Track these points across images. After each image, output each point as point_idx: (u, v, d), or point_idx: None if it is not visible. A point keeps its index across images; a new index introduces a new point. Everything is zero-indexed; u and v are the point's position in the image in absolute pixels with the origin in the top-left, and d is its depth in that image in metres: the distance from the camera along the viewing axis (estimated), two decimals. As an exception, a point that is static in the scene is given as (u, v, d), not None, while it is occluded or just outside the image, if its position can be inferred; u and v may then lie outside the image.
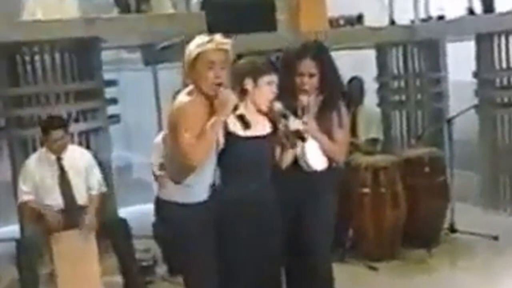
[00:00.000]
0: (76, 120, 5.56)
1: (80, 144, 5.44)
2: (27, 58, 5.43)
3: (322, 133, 3.60)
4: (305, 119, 3.54)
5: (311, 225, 3.64)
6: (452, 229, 5.63)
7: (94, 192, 4.97)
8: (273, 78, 3.35)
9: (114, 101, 6.04)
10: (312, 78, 3.60)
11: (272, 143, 3.43)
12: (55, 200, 4.86)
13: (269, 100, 3.35)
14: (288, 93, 3.56)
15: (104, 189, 5.06)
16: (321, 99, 3.67)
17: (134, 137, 7.77)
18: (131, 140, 7.97)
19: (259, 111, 3.39)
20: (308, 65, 3.59)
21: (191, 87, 3.19)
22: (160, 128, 6.82)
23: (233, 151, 3.28)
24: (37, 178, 4.84)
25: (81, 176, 4.95)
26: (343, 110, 3.71)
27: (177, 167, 3.16)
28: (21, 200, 4.89)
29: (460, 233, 5.61)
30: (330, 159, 3.65)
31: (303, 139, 3.39)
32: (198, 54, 3.12)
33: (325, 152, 3.61)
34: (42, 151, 4.97)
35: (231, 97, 3.12)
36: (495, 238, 5.51)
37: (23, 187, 4.87)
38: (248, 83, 3.33)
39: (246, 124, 3.22)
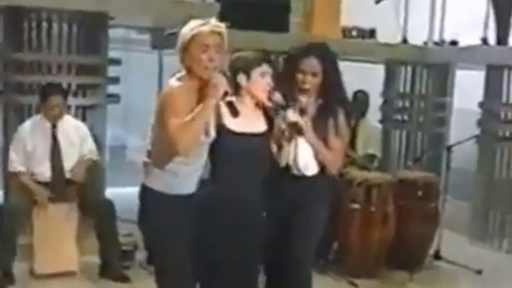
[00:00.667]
0: (75, 94, 5.50)
1: (76, 119, 5.36)
2: (34, 25, 5.35)
3: (317, 138, 3.52)
4: (302, 121, 3.46)
5: (297, 235, 3.56)
6: (437, 256, 5.59)
7: (86, 157, 4.93)
8: (266, 69, 3.30)
9: (116, 80, 5.95)
10: (315, 78, 3.53)
11: (268, 140, 3.38)
12: (44, 171, 4.83)
13: (266, 90, 3.29)
14: (287, 90, 3.49)
15: (96, 157, 5.02)
16: (320, 103, 3.60)
17: (132, 119, 7.70)
18: (128, 121, 7.90)
19: (257, 105, 3.33)
20: (312, 64, 3.53)
21: (183, 72, 3.11)
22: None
23: (224, 146, 3.22)
24: (29, 147, 4.81)
25: (74, 147, 4.95)
26: (342, 118, 3.61)
27: (161, 152, 3.09)
28: (12, 169, 4.84)
29: (445, 261, 5.57)
30: (322, 166, 3.58)
31: (300, 132, 3.34)
32: (193, 37, 3.04)
33: (319, 159, 3.54)
34: (37, 118, 4.97)
35: (223, 81, 3.06)
36: (479, 272, 5.45)
37: (14, 155, 4.82)
38: (242, 78, 3.29)
39: (234, 111, 3.18)
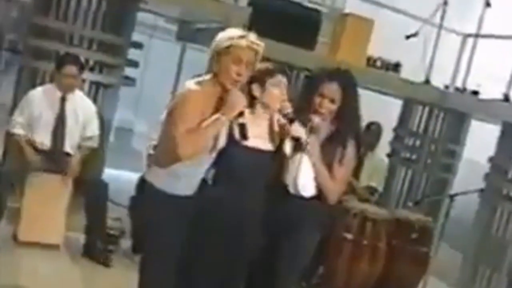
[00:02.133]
0: (92, 70, 5.46)
1: (88, 94, 5.33)
2: (65, -8, 5.34)
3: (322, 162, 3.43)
4: (309, 140, 3.38)
5: (283, 262, 3.44)
6: (419, 302, 5.51)
7: (85, 144, 4.88)
8: (280, 78, 3.29)
9: (135, 63, 5.93)
10: (332, 104, 3.44)
11: (273, 158, 3.33)
12: (44, 140, 4.78)
13: (278, 99, 3.26)
14: (303, 111, 3.42)
15: (95, 144, 4.97)
16: (332, 129, 3.51)
17: (143, 104, 7.67)
18: (139, 106, 7.88)
19: (270, 119, 3.28)
20: (333, 90, 3.43)
21: (206, 76, 3.08)
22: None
23: (230, 156, 3.19)
24: (36, 113, 4.77)
25: (78, 124, 4.90)
26: (350, 149, 3.51)
27: (164, 152, 3.04)
28: (12, 130, 4.80)
29: (426, 309, 5.48)
30: (320, 192, 3.47)
31: (301, 148, 3.26)
32: (229, 47, 3.01)
33: (319, 184, 3.44)
34: (49, 86, 4.93)
35: (241, 100, 3.04)
36: (458, 325, 5.38)
37: (18, 118, 4.79)
38: (256, 89, 3.26)
39: (244, 135, 3.14)
